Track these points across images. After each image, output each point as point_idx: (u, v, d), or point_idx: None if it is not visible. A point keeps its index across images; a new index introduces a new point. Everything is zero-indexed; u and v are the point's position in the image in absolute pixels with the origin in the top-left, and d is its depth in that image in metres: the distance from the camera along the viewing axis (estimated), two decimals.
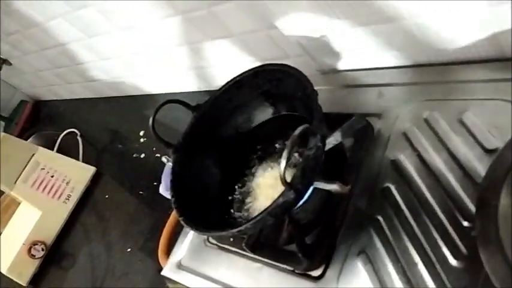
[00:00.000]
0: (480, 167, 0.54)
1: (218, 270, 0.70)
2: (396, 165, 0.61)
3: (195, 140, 0.72)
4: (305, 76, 0.62)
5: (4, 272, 1.11)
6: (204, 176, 0.73)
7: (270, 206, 0.54)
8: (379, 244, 0.57)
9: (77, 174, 1.22)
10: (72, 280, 1.08)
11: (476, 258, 0.43)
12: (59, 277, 1.12)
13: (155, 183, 1.02)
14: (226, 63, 0.95)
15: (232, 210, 0.72)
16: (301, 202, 0.61)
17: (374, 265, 0.56)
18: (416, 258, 0.53)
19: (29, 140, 1.47)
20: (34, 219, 1.14)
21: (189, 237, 0.77)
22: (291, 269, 0.62)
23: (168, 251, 0.79)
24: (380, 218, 0.59)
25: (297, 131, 0.51)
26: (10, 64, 1.51)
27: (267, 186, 0.69)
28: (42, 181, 1.17)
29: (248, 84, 0.71)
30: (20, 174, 1.15)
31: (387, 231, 0.57)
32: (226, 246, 0.72)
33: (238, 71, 0.71)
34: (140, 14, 0.91)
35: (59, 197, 1.18)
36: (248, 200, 0.70)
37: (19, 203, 1.19)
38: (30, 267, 1.13)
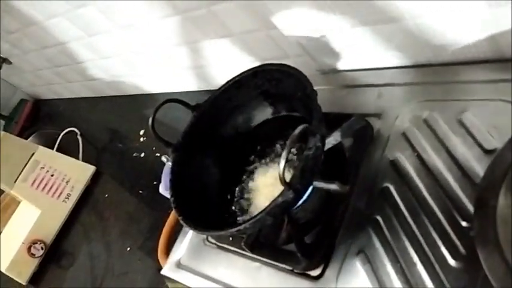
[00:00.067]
0: (479, 167, 0.54)
1: (217, 269, 0.70)
2: (395, 165, 0.61)
3: (195, 140, 0.72)
4: (305, 76, 0.62)
5: (4, 270, 1.11)
6: (203, 176, 0.73)
7: (269, 205, 0.54)
8: (378, 244, 0.57)
9: (77, 173, 1.22)
10: (71, 279, 1.08)
11: (475, 258, 0.43)
12: (58, 276, 1.12)
13: (155, 183, 1.02)
14: (226, 62, 0.95)
15: (231, 210, 0.72)
16: (300, 202, 0.61)
17: (373, 265, 0.56)
18: (415, 258, 0.53)
19: (28, 139, 1.47)
20: (34, 218, 1.14)
21: (189, 237, 0.78)
22: (290, 268, 0.63)
23: (168, 251, 0.79)
24: (379, 217, 0.59)
25: (296, 131, 0.51)
26: (10, 63, 1.51)
27: (266, 185, 0.69)
28: (42, 180, 1.17)
29: (247, 84, 0.71)
30: (20, 173, 1.15)
31: (386, 231, 0.57)
32: (225, 246, 0.72)
33: (238, 70, 0.71)
34: (140, 14, 0.91)
35: (59, 196, 1.18)
36: (247, 199, 0.70)
37: (19, 202, 1.19)
38: (30, 266, 1.13)
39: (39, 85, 1.63)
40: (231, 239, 0.71)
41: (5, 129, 1.62)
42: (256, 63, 0.71)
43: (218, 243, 0.73)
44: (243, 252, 0.68)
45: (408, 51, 0.67)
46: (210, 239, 0.75)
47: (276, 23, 0.73)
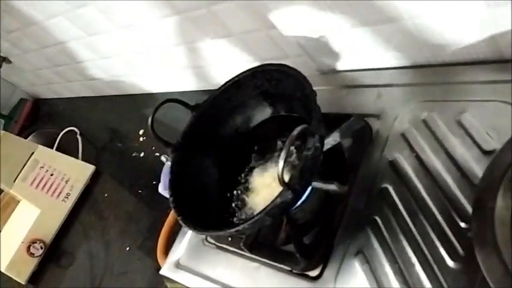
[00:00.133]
0: (477, 168, 0.54)
1: (216, 269, 0.70)
2: (394, 166, 0.61)
3: (194, 140, 0.72)
4: (304, 76, 0.62)
5: (3, 270, 1.11)
6: (202, 176, 0.73)
7: (267, 206, 0.54)
8: (376, 244, 0.57)
9: (76, 172, 1.22)
10: (70, 278, 1.08)
11: (473, 259, 0.44)
12: (57, 275, 1.12)
13: (154, 182, 1.02)
14: (226, 62, 0.95)
15: (230, 210, 0.72)
16: (299, 202, 0.61)
17: (371, 265, 0.56)
18: (414, 259, 0.54)
19: (28, 138, 1.47)
20: (33, 217, 1.14)
21: (188, 237, 0.78)
22: (289, 269, 0.63)
23: (167, 250, 0.79)
24: (378, 218, 0.59)
25: (296, 131, 0.51)
26: (10, 62, 1.51)
27: (265, 186, 0.69)
28: (41, 179, 1.17)
29: (247, 84, 0.71)
30: (20, 173, 1.15)
31: (385, 232, 0.57)
32: (224, 246, 0.72)
33: (238, 70, 0.71)
34: (140, 13, 0.91)
35: (58, 195, 1.18)
36: (246, 199, 0.70)
37: (18, 201, 1.19)
38: (29, 265, 1.13)
39: (39, 84, 1.63)
40: (230, 239, 0.71)
41: (4, 129, 1.62)
42: (256, 63, 0.71)
43: (217, 244, 0.73)
44: (242, 252, 0.68)
45: (407, 51, 0.67)
46: (209, 239, 0.75)
47: (275, 23, 0.73)
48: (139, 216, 1.05)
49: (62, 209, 1.18)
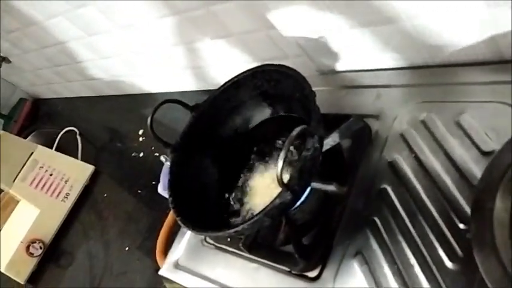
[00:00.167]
0: (476, 169, 0.54)
1: (215, 270, 0.70)
2: (393, 167, 0.61)
3: (193, 140, 0.72)
4: (303, 77, 0.62)
5: (2, 270, 1.11)
6: (202, 176, 0.73)
7: (266, 207, 0.54)
8: (375, 245, 0.57)
9: (76, 172, 1.22)
10: (70, 278, 1.08)
11: (472, 260, 0.44)
12: (57, 275, 1.12)
13: (154, 183, 1.02)
14: (225, 62, 0.95)
15: (229, 210, 0.72)
16: (298, 203, 0.61)
17: (370, 266, 0.56)
18: (412, 260, 0.54)
19: (28, 138, 1.47)
20: (32, 217, 1.14)
21: (187, 237, 0.78)
22: (288, 269, 0.63)
23: (166, 251, 0.79)
24: (377, 219, 0.59)
25: (295, 132, 0.51)
26: (10, 62, 1.51)
27: (264, 186, 0.69)
28: (40, 179, 1.17)
29: (246, 84, 0.71)
30: (19, 173, 1.15)
31: (384, 233, 0.57)
32: (223, 246, 0.72)
33: (237, 70, 0.71)
34: (140, 14, 0.91)
35: (58, 195, 1.18)
36: (246, 200, 0.70)
37: (18, 201, 1.19)
38: (28, 265, 1.13)
39: (39, 84, 1.63)
40: (229, 239, 0.71)
41: (4, 129, 1.62)
42: (256, 64, 0.71)
43: (216, 244, 0.73)
44: (241, 253, 0.68)
45: (406, 52, 0.67)
46: (208, 239, 0.75)
47: (274, 24, 0.73)
48: (138, 216, 1.05)
49: (61, 209, 1.18)
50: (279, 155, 0.50)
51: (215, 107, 0.73)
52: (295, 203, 0.60)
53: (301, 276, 0.61)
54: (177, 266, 0.75)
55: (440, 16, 0.58)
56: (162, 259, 0.79)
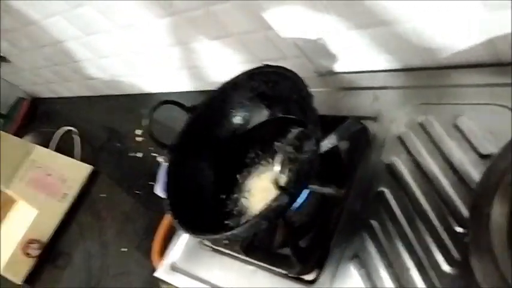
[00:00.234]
0: (474, 172, 0.54)
1: (212, 272, 0.70)
2: (391, 169, 0.61)
3: (190, 141, 0.72)
4: (301, 79, 0.61)
5: None
6: (199, 178, 0.73)
7: (263, 210, 0.53)
8: (372, 249, 0.57)
9: (74, 172, 1.21)
10: (67, 279, 1.08)
11: (469, 264, 0.43)
12: (54, 276, 1.12)
13: (151, 183, 1.01)
14: (224, 63, 0.94)
15: (226, 212, 0.71)
16: (295, 206, 0.61)
17: (367, 270, 0.56)
18: (410, 264, 0.53)
19: (25, 138, 1.47)
20: (30, 217, 1.14)
21: (184, 239, 0.77)
22: (285, 272, 0.62)
23: (162, 253, 0.79)
24: (374, 222, 0.59)
25: (291, 135, 0.51)
26: (8, 61, 1.51)
27: (261, 188, 0.69)
28: (38, 179, 1.16)
29: (244, 85, 0.71)
30: (17, 173, 1.15)
31: (381, 236, 0.57)
32: (220, 249, 0.72)
33: (236, 70, 0.71)
34: (139, 14, 0.90)
35: (55, 195, 1.17)
36: (243, 202, 0.70)
37: (15, 202, 1.19)
38: (26, 265, 1.12)
39: (37, 83, 1.62)
40: (226, 242, 0.71)
41: (2, 128, 1.61)
42: (255, 64, 0.71)
43: (213, 246, 0.73)
44: (238, 255, 0.68)
45: (405, 54, 0.67)
46: (205, 241, 0.74)
47: (272, 24, 0.72)
48: (136, 217, 1.05)
49: (59, 209, 1.17)
50: (276, 157, 0.50)
51: (212, 109, 0.73)
52: (292, 206, 0.59)
53: (298, 279, 0.61)
54: (174, 268, 0.75)
55: (438, 18, 0.58)
56: (159, 261, 0.78)
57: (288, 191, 0.52)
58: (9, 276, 1.11)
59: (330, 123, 0.64)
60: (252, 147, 0.74)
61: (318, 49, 0.73)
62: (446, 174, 0.56)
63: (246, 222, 0.54)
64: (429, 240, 0.53)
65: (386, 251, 0.56)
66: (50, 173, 1.18)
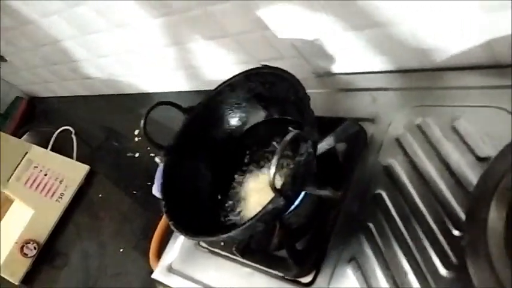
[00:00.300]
0: (472, 174, 0.54)
1: (209, 274, 0.70)
2: (388, 171, 0.61)
3: (187, 142, 0.72)
4: (298, 80, 0.61)
5: None
6: (195, 179, 0.73)
7: (259, 212, 0.53)
8: (369, 251, 0.57)
9: (71, 172, 1.21)
10: (64, 279, 1.08)
11: (466, 268, 0.43)
12: (51, 276, 1.11)
13: (149, 183, 1.01)
14: (222, 63, 0.94)
15: (223, 214, 0.71)
16: (292, 208, 0.60)
17: (364, 272, 0.56)
18: (407, 267, 0.53)
19: (22, 138, 1.46)
20: (27, 217, 1.13)
21: (180, 240, 0.77)
22: (281, 275, 0.62)
23: (159, 254, 0.79)
24: (371, 224, 0.58)
25: (288, 137, 0.50)
26: (6, 60, 1.50)
27: (258, 190, 0.68)
28: (35, 179, 1.16)
29: (241, 86, 0.71)
30: (13, 173, 1.14)
31: (378, 239, 0.57)
32: (217, 251, 0.71)
33: (233, 71, 0.71)
34: (136, 13, 0.90)
35: (52, 195, 1.17)
36: (239, 204, 0.70)
37: (12, 202, 1.18)
38: (23, 266, 1.12)
39: (35, 83, 1.62)
40: (222, 244, 0.71)
41: None
42: (252, 64, 0.70)
43: (210, 248, 0.73)
44: (235, 257, 0.67)
45: (400, 55, 0.66)
46: (201, 243, 0.74)
47: (269, 25, 0.72)
48: (133, 217, 1.04)
49: (56, 209, 1.17)
50: (272, 159, 0.50)
51: (209, 109, 0.73)
52: (289, 208, 0.59)
53: (295, 281, 0.61)
54: (170, 269, 0.75)
55: (436, 20, 0.57)
56: (156, 262, 0.78)
57: (284, 194, 0.52)
58: (6, 276, 1.11)
59: (327, 124, 0.64)
60: (249, 149, 0.74)
61: (315, 50, 0.73)
62: (443, 176, 0.56)
63: (242, 224, 0.54)
64: (426, 243, 0.53)
65: (384, 254, 0.55)
66: (46, 172, 1.18)
